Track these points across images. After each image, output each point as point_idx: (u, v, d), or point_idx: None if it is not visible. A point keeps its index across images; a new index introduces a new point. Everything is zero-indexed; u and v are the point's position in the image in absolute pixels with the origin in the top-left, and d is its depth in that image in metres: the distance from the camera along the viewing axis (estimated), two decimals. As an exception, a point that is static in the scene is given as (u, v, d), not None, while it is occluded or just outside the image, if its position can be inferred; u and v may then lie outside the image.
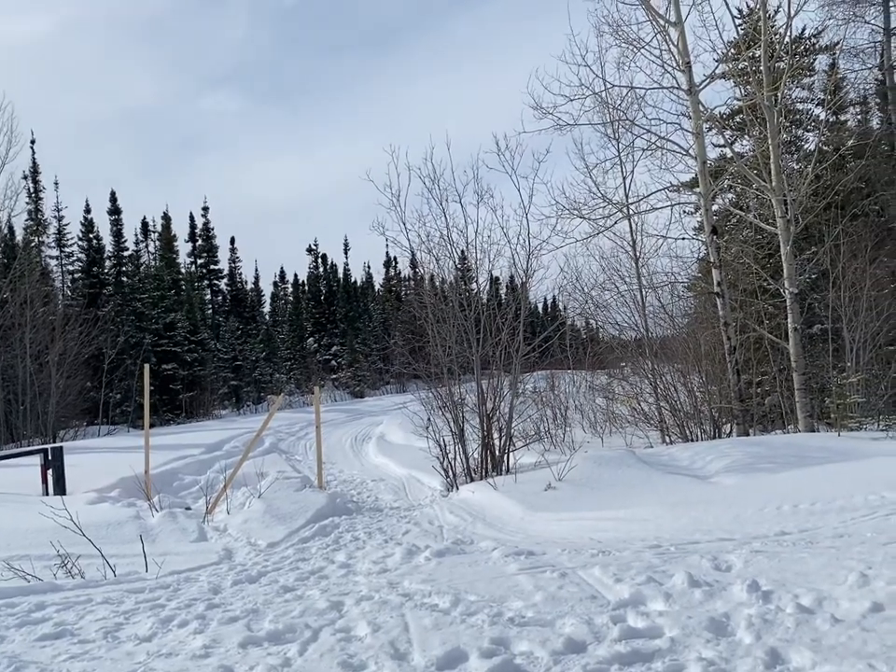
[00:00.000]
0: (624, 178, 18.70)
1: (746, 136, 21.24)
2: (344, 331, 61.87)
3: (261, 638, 4.71)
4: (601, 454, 12.61)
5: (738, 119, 21.02)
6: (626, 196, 18.60)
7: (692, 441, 15.48)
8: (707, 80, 16.77)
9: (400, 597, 5.42)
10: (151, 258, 49.84)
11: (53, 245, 39.68)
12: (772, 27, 17.84)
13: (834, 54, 21.22)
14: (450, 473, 12.74)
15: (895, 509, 6.80)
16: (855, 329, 16.52)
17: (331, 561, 7.46)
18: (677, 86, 16.54)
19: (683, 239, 19.55)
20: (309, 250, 67.06)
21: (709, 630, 4.14)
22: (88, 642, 4.88)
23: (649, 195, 17.95)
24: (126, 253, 42.19)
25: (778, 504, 7.74)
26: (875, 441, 12.39)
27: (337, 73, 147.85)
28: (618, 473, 10.73)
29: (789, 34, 17.23)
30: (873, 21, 21.09)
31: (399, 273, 72.61)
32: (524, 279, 14.20)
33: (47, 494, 11.85)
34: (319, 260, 67.04)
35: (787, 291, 15.93)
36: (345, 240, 70.37)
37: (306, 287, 66.07)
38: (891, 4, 20.96)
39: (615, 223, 18.17)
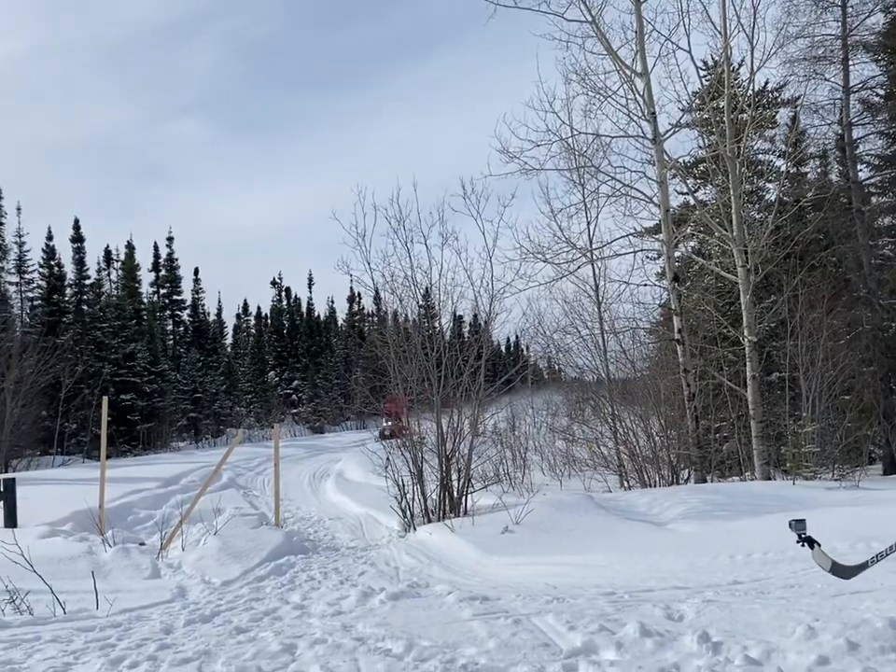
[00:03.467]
0: (589, 224, 18.96)
1: (709, 185, 21.63)
2: (306, 366, 61.58)
3: (212, 682, 4.67)
4: (559, 498, 12.66)
5: (702, 168, 21.40)
6: (590, 241, 18.86)
7: (650, 486, 15.58)
8: (672, 130, 17.14)
9: (354, 641, 5.39)
10: (113, 287, 49.38)
11: (13, 271, 39.19)
12: (735, 80, 18.25)
13: (796, 108, 21.73)
14: (408, 514, 12.69)
15: (845, 560, 6.87)
16: (812, 379, 16.75)
17: (286, 602, 7.40)
18: (642, 135, 16.88)
19: (645, 285, 19.80)
20: (273, 283, 66.89)
21: (659, 681, 4.17)
22: (35, 682, 4.80)
23: (612, 241, 18.24)
24: (88, 281, 41.72)
25: (732, 553, 7.81)
26: (829, 490, 12.56)
27: (306, 107, 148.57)
28: (575, 518, 10.77)
29: (751, 87, 17.67)
30: (832, 79, 21.65)
31: (363, 308, 72.61)
32: (486, 321, 14.29)
33: (-3, 526, 11.65)
34: (283, 294, 66.89)
35: (746, 339, 16.18)
36: (310, 274, 70.27)
37: (269, 321, 65.77)
38: (851, 63, 21.54)
39: (578, 268, 18.42)
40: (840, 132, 22.56)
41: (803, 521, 5.03)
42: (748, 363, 16.18)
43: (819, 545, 5.08)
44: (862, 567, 5.06)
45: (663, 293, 20.11)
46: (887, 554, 4.96)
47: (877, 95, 22.56)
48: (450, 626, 5.68)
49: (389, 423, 32.25)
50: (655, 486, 15.45)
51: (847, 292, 21.25)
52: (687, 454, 16.17)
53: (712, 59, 19.89)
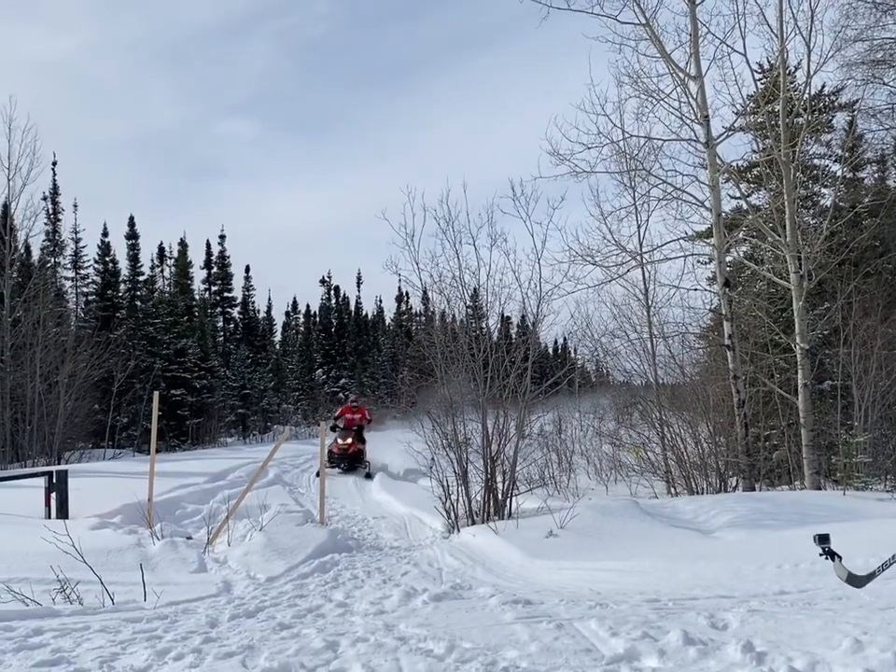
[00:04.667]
0: (639, 227, 18.86)
1: (762, 189, 21.37)
2: (353, 364, 61.90)
3: (255, 676, 4.72)
4: (604, 503, 12.59)
5: (755, 172, 21.16)
6: (640, 245, 18.74)
7: (697, 493, 15.43)
8: (725, 134, 16.94)
9: (396, 641, 5.43)
10: (166, 283, 50.11)
11: (69, 266, 39.97)
12: (791, 84, 18.03)
13: (853, 112, 21.37)
14: (452, 515, 12.71)
15: (895, 573, 6.77)
16: (865, 388, 16.49)
17: (329, 599, 7.46)
18: (694, 138, 16.72)
19: (696, 290, 19.63)
20: (322, 281, 67.35)
21: (702, 690, 4.14)
22: (83, 671, 4.89)
23: (663, 245, 18.09)
24: (141, 278, 42.41)
25: (779, 562, 7.72)
26: (881, 502, 12.35)
27: (356, 107, 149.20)
28: (620, 524, 10.71)
29: (808, 91, 17.43)
30: (892, 84, 21.23)
31: (411, 308, 72.81)
32: (533, 323, 14.26)
33: (49, 517, 11.87)
34: (332, 292, 67.36)
35: (798, 346, 15.97)
36: (358, 273, 70.76)
37: (317, 319, 66.24)
38: (911, 67, 21.12)
39: (628, 271, 18.31)
40: (899, 137, 22.16)
41: (826, 535, 5.31)
42: (799, 371, 15.96)
43: (841, 558, 5.28)
44: (872, 575, 5.21)
45: (713, 298, 19.90)
46: (891, 563, 5.02)
47: (938, 100, 22.10)
48: (492, 629, 5.69)
49: (348, 440, 21.46)
50: (702, 493, 15.30)
51: (902, 300, 20.86)
52: (735, 461, 15.99)
53: (768, 62, 19.67)
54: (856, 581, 5.28)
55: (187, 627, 6.11)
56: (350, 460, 20.69)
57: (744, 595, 6.69)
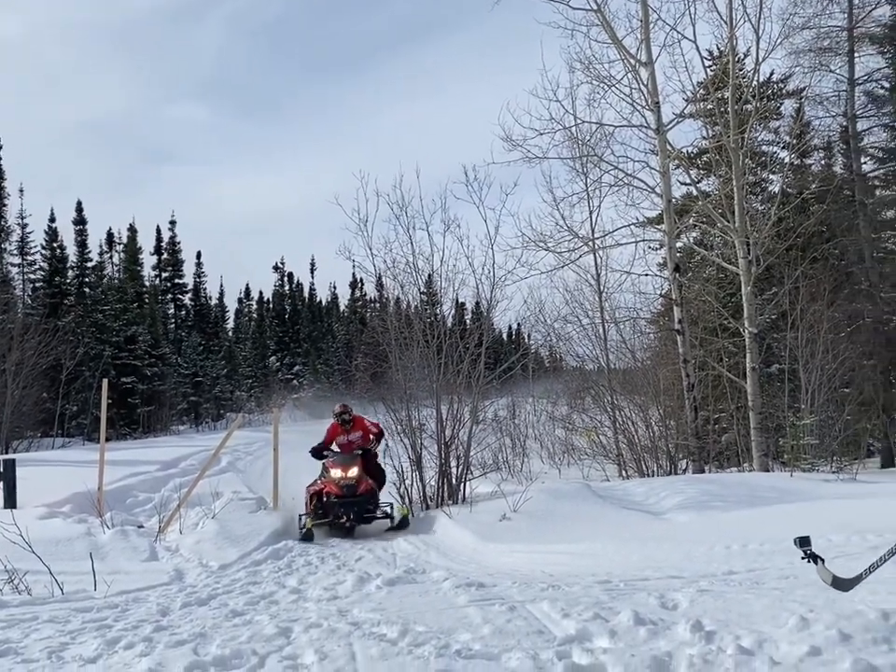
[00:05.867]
0: (591, 213, 18.93)
1: (712, 176, 21.60)
2: (307, 351, 61.64)
3: (207, 663, 4.66)
4: (557, 486, 12.69)
5: (705, 159, 21.36)
6: (592, 230, 18.84)
7: (648, 476, 15.62)
8: (676, 120, 17.13)
9: (349, 626, 5.41)
10: (115, 269, 49.45)
11: (16, 252, 39.30)
12: (740, 71, 18.22)
13: (800, 100, 21.66)
14: (406, 500, 12.73)
15: (840, 552, 6.90)
16: (811, 371, 16.76)
17: (283, 585, 7.43)
18: (645, 125, 16.85)
19: (647, 275, 19.74)
20: (275, 268, 66.91)
21: (651, 668, 4.16)
22: (31, 661, 4.80)
23: (614, 230, 18.22)
24: (90, 264, 41.83)
25: (728, 543, 7.83)
26: (827, 482, 12.59)
27: (310, 91, 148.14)
28: (573, 507, 10.80)
29: (756, 78, 17.63)
30: (838, 71, 21.59)
31: (365, 294, 72.60)
32: (487, 309, 14.30)
33: (-3, 506, 11.67)
34: (285, 279, 66.92)
35: (746, 331, 16.19)
36: (312, 259, 70.34)
37: (271, 305, 65.82)
38: (856, 55, 21.47)
39: (580, 257, 18.42)
40: (845, 124, 22.53)
41: (807, 538, 5.24)
42: (748, 354, 16.19)
43: (823, 561, 5.23)
44: (859, 578, 5.20)
45: (664, 283, 20.11)
46: (878, 566, 5.04)
47: (882, 88, 22.48)
48: (445, 612, 5.70)
49: (353, 470, 11.83)
50: (653, 476, 15.49)
51: (848, 285, 21.25)
52: (685, 444, 16.21)
53: (717, 49, 19.87)
54: (841, 584, 5.25)
55: (137, 616, 6.04)
56: (360, 507, 11.57)
57: (693, 575, 6.78)
